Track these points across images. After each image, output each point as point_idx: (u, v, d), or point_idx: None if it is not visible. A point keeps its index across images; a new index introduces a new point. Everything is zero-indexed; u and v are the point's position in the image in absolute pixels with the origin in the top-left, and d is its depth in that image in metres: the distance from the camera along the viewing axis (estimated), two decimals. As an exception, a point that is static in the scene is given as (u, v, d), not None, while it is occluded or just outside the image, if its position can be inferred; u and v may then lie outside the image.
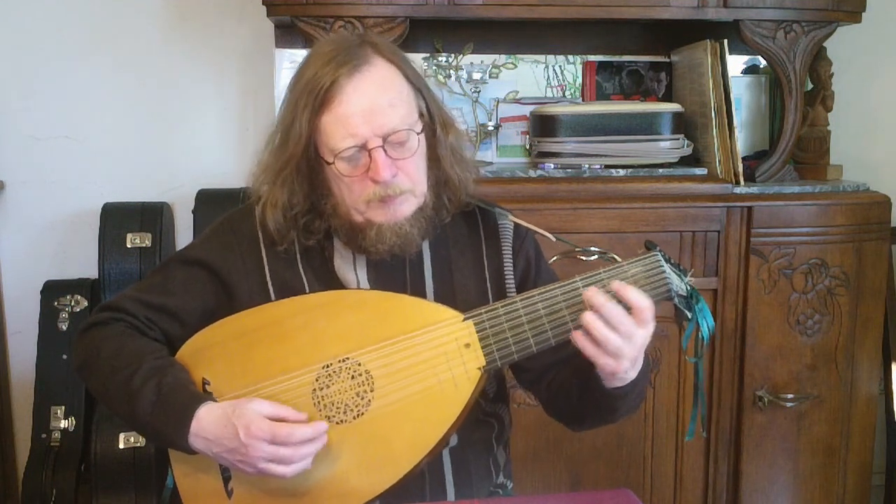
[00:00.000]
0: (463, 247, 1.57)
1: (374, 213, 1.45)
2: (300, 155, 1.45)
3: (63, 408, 2.61)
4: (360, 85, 1.41)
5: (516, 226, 1.59)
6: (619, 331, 1.32)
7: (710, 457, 2.53)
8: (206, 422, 1.37)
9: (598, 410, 1.48)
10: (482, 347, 1.39)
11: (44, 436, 2.59)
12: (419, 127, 1.46)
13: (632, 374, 1.39)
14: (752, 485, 2.53)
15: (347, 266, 1.52)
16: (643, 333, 1.34)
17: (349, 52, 1.43)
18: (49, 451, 2.56)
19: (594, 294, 1.33)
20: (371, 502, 1.40)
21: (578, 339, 1.34)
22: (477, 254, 1.57)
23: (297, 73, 1.48)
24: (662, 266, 1.37)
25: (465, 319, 1.40)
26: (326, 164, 1.45)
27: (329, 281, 1.51)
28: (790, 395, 2.50)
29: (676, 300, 1.39)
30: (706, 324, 1.41)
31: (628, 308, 1.33)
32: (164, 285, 1.54)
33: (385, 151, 1.41)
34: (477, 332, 1.39)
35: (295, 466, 1.36)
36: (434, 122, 1.50)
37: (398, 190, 1.43)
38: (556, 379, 1.55)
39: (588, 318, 1.33)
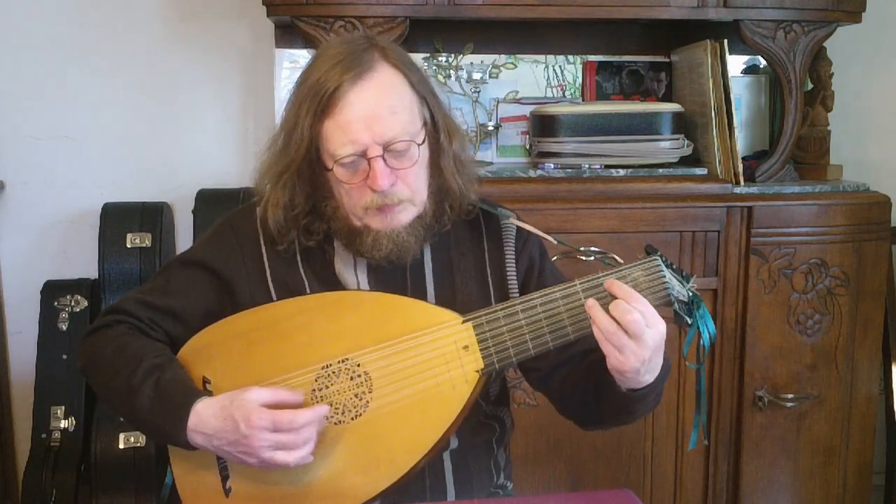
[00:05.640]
0: (465, 249, 1.57)
1: (371, 220, 1.45)
2: (302, 158, 1.44)
3: (63, 408, 2.60)
4: (362, 92, 1.40)
5: (519, 226, 1.58)
6: (628, 328, 1.31)
7: (710, 457, 2.53)
8: (205, 416, 1.37)
9: (615, 411, 1.45)
10: (480, 350, 1.39)
11: (44, 436, 2.59)
12: (421, 137, 1.45)
13: (648, 378, 1.37)
14: (752, 485, 2.53)
15: (348, 268, 1.52)
16: (651, 333, 1.32)
17: (355, 57, 1.42)
18: (49, 451, 2.56)
19: (617, 306, 1.32)
20: (370, 503, 1.40)
21: (589, 309, 1.34)
22: (479, 256, 1.57)
23: (303, 74, 1.47)
24: (662, 271, 1.37)
25: (464, 322, 1.40)
26: (326, 170, 1.44)
27: (330, 283, 1.51)
28: (790, 395, 2.50)
29: (676, 305, 1.38)
30: (707, 330, 1.40)
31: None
32: (165, 287, 1.54)
33: (384, 160, 1.40)
34: (476, 334, 1.39)
35: (298, 453, 1.35)
36: (438, 131, 1.48)
37: (396, 199, 1.43)
38: (569, 377, 1.53)
39: (595, 311, 1.33)
